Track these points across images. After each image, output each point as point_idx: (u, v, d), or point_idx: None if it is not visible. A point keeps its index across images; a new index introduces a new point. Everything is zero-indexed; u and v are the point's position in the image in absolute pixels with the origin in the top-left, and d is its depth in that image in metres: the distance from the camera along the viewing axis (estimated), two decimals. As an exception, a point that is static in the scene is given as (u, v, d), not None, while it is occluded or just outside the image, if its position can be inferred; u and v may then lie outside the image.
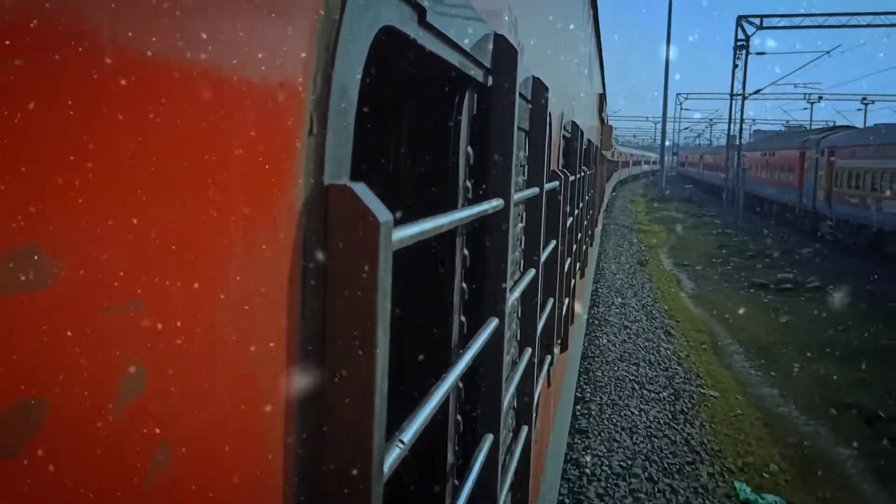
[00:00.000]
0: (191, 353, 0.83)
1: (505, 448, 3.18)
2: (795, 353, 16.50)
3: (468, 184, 2.31)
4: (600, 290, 23.12)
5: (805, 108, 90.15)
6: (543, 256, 3.96)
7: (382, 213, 1.03)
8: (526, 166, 3.42)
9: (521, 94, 3.03)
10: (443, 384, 1.74)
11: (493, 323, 2.31)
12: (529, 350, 3.49)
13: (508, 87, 2.27)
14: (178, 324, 0.83)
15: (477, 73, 2.14)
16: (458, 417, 2.43)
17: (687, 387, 14.61)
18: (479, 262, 2.42)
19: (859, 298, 22.11)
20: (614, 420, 12.71)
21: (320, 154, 1.01)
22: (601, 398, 13.72)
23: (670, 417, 13.03)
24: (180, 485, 0.79)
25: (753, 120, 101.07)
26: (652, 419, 12.92)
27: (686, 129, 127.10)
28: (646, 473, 10.68)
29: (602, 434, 12.05)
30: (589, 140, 11.02)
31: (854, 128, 47.30)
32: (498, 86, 2.28)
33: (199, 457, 0.84)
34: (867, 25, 43.32)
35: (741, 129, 53.03)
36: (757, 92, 54.84)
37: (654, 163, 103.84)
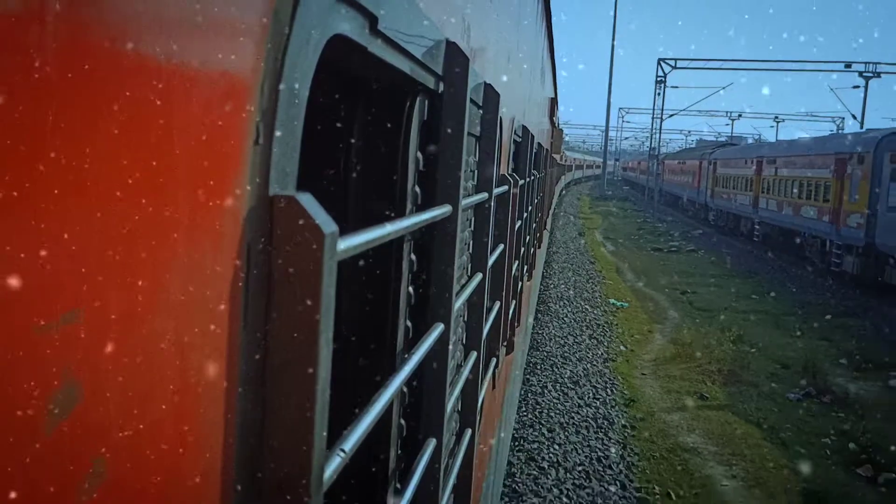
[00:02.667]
0: (129, 364, 0.83)
1: (448, 451, 3.19)
2: (659, 273, 30.86)
3: (417, 190, 2.32)
4: (554, 246, 36.93)
5: (727, 124, 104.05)
6: (491, 261, 3.99)
7: (327, 224, 1.04)
8: (476, 171, 3.44)
9: (472, 101, 3.05)
10: (385, 392, 1.74)
11: (439, 328, 2.32)
12: (475, 354, 3.51)
13: (459, 94, 2.28)
14: (117, 334, 0.82)
15: (428, 80, 2.15)
16: (402, 422, 2.44)
17: (597, 279, 29.90)
18: (426, 268, 2.43)
19: (710, 254, 37.20)
20: (564, 286, 27.27)
21: (266, 164, 1.01)
22: (558, 283, 27.75)
23: (588, 284, 28.29)
24: (116, 499, 0.78)
25: (689, 132, 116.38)
26: (579, 287, 27.37)
27: (628, 137, 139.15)
28: (570, 292, 25.89)
29: (559, 290, 26.15)
30: (539, 144, 11.12)
31: (734, 144, 63.42)
32: (449, 92, 2.29)
33: (136, 469, 0.83)
34: (749, 69, 64.15)
35: (659, 143, 73.25)
36: (671, 116, 76.64)
37: (601, 167, 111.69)
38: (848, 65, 55.26)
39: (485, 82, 3.28)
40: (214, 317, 0.96)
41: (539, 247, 16.33)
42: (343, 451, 1.30)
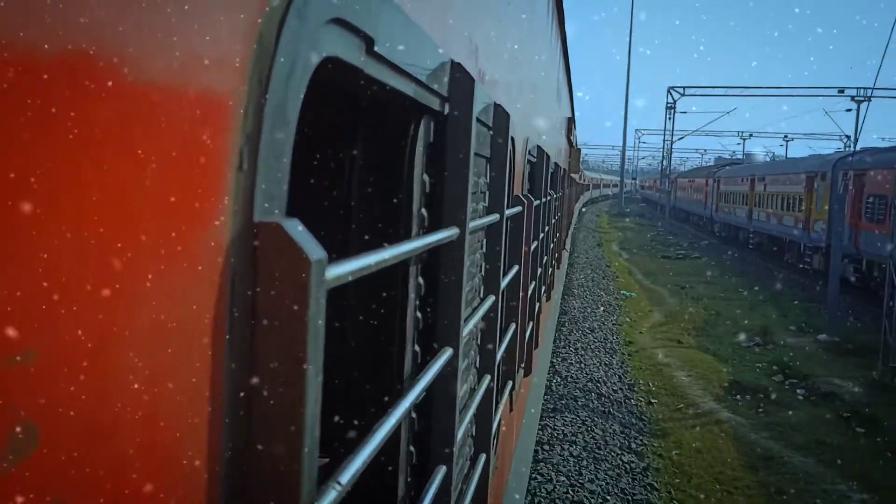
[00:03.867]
0: (97, 402, 0.79)
1: (461, 478, 3.14)
2: (664, 274, 35.93)
3: (423, 212, 2.29)
4: (575, 254, 41.12)
5: (738, 144, 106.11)
6: (504, 283, 3.94)
7: (315, 251, 1.00)
8: (487, 193, 3.41)
9: (481, 121, 3.03)
10: (388, 419, 1.70)
11: (447, 353, 2.28)
12: (488, 377, 3.46)
13: (465, 115, 2.25)
14: (89, 369, 0.79)
15: (432, 102, 2.12)
16: (411, 448, 2.39)
17: (611, 277, 35.93)
18: (435, 291, 2.40)
19: (712, 260, 41.94)
20: (584, 279, 33.06)
21: (250, 190, 0.98)
22: (579, 278, 33.20)
23: (603, 280, 34.32)
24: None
25: (705, 150, 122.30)
26: (596, 281, 33.42)
27: (645, 157, 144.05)
28: (588, 283, 31.99)
29: (580, 282, 31.90)
30: (556, 164, 11.08)
31: (738, 163, 70.47)
32: (454, 114, 2.26)
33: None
34: (751, 95, 69.68)
35: (670, 163, 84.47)
36: (682, 138, 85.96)
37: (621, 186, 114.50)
38: (841, 90, 60.41)
39: (494, 103, 3.26)
40: (196, 351, 0.93)
41: (559, 267, 16.24)
42: (339, 483, 1.26)
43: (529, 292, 6.11)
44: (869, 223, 23.86)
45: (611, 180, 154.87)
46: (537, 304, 7.59)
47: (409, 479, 2.37)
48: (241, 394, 0.99)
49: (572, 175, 26.03)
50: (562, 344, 20.11)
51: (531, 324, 6.70)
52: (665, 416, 15.55)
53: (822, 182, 33.01)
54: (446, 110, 2.26)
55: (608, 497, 10.93)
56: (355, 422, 2.24)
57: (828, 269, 25.88)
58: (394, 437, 2.19)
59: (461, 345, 2.38)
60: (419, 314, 2.34)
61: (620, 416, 15.24)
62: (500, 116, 3.30)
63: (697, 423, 15.10)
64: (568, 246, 29.50)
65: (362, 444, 1.48)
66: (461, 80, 2.25)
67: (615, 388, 17.12)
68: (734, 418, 15.27)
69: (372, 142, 2.11)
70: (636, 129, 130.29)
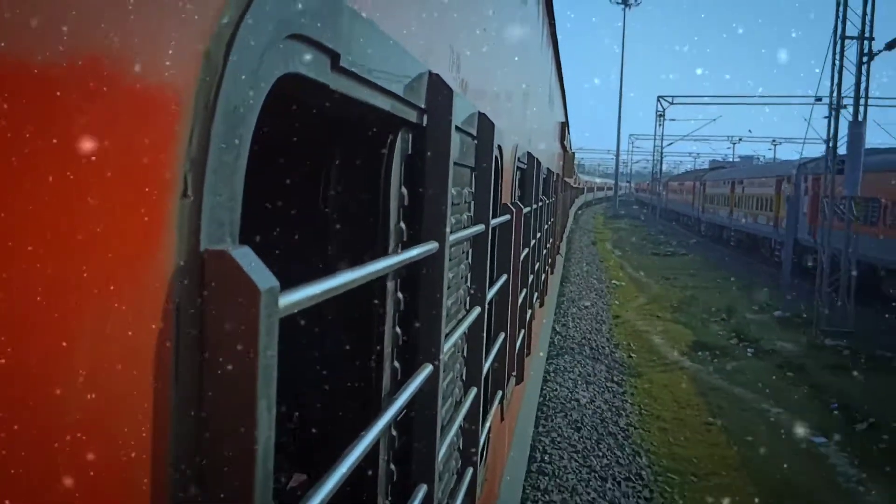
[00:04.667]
0: (38, 441, 0.75)
1: (446, 494, 3.09)
2: (652, 268, 40.08)
3: (402, 226, 2.24)
4: (574, 247, 47.09)
5: (728, 148, 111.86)
6: (491, 293, 3.90)
7: (265, 279, 0.96)
8: (472, 203, 3.37)
9: (465, 131, 2.99)
10: (364, 438, 1.66)
11: (427, 369, 2.24)
12: (475, 390, 3.41)
13: (444, 127, 2.21)
14: (29, 403, 0.75)
15: (409, 114, 2.08)
16: (392, 467, 2.34)
17: (604, 269, 39.45)
18: (415, 306, 2.35)
19: (697, 256, 46.38)
20: (579, 272, 36.70)
21: (195, 217, 0.94)
22: (576, 270, 37.39)
23: (596, 272, 38.14)
24: None
25: (698, 154, 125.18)
26: (590, 273, 37.18)
27: (639, 161, 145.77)
28: (583, 274, 37.08)
29: (575, 273, 36.62)
30: (548, 169, 11.04)
31: (722, 167, 73.00)
32: (433, 126, 2.22)
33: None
34: (736, 104, 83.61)
35: (661, 168, 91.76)
36: (671, 144, 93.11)
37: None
38: (818, 98, 64.01)
39: (479, 112, 3.22)
40: (138, 388, 0.89)
41: (552, 272, 16.20)
42: None
43: (520, 300, 6.07)
44: (824, 220, 27.05)
45: (605, 183, 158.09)
46: (529, 312, 7.54)
47: (389, 499, 2.33)
48: (188, 429, 0.95)
49: (566, 179, 26.03)
50: (561, 314, 25.14)
51: (522, 332, 6.65)
52: (641, 364, 20.32)
53: (789, 185, 37.21)
54: (425, 122, 2.22)
55: (596, 398, 16.53)
56: (334, 438, 2.19)
57: (795, 259, 31.44)
58: (372, 455, 2.15)
59: (442, 360, 2.33)
60: (399, 329, 2.30)
61: (607, 361, 20.19)
62: (485, 126, 3.26)
63: (665, 368, 20.02)
64: (563, 250, 29.61)
65: (337, 464, 1.44)
66: (440, 92, 2.21)
67: (603, 345, 22.05)
68: (694, 366, 20.14)
69: (347, 156, 2.07)
70: (630, 135, 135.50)
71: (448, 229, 2.29)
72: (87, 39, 0.79)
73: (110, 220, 0.84)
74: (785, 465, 12.93)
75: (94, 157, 0.81)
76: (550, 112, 12.18)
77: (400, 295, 2.29)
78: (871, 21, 24.48)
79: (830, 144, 25.70)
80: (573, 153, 30.15)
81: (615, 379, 18.49)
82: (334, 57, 1.37)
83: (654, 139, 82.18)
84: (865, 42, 24.56)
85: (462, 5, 3.20)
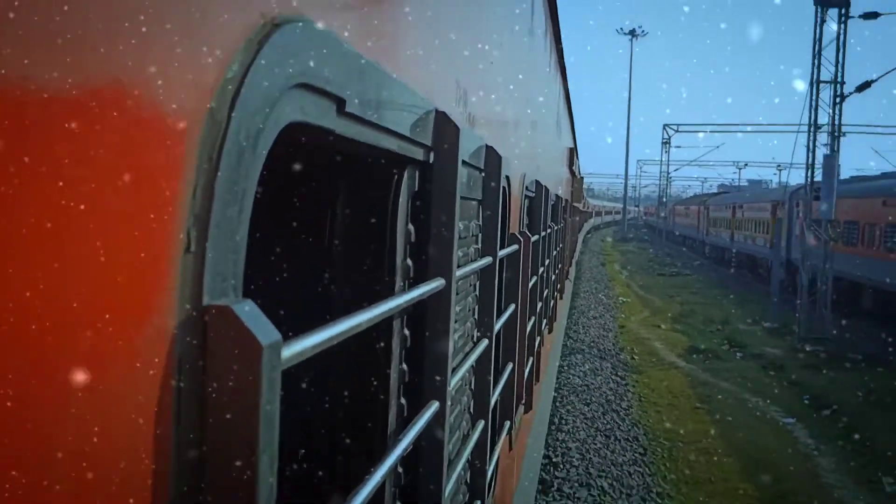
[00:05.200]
0: (39, 493, 0.75)
1: None
2: (657, 287, 43.28)
3: (409, 263, 2.24)
4: (584, 267, 50.06)
5: (734, 173, 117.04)
6: (499, 324, 3.89)
7: (267, 333, 0.96)
8: (480, 235, 3.37)
9: (472, 165, 2.99)
10: (372, 477, 1.65)
11: (433, 406, 2.22)
12: (482, 423, 3.39)
13: (450, 164, 2.22)
14: (34, 458, 0.75)
15: (415, 153, 2.09)
16: None
17: (611, 287, 43.20)
18: (421, 342, 2.35)
19: (701, 276, 50.12)
20: (588, 289, 41.03)
21: (199, 272, 0.94)
22: (586, 287, 40.87)
23: (604, 289, 41.95)
24: None
25: (705, 179, 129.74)
26: (599, 290, 41.07)
27: (647, 185, 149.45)
28: (592, 290, 40.74)
29: (585, 289, 40.30)
30: (557, 195, 11.05)
31: (726, 192, 77.72)
32: (439, 163, 2.23)
33: None
34: (737, 132, 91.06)
35: (668, 193, 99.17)
36: (677, 169, 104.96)
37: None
38: (819, 126, 70.42)
39: (486, 145, 3.23)
40: (139, 442, 0.88)
41: (561, 297, 16.16)
42: None
43: (528, 328, 6.05)
44: (803, 240, 30.99)
45: (614, 207, 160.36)
46: (538, 339, 7.51)
47: None
48: (187, 486, 0.94)
49: (575, 204, 26.05)
50: (572, 323, 28.37)
51: (531, 360, 6.62)
52: (642, 364, 23.73)
53: (783, 209, 40.69)
54: (431, 159, 2.22)
55: (602, 385, 20.15)
56: (341, 478, 2.18)
57: (790, 277, 34.13)
58: (379, 494, 2.13)
59: (448, 396, 2.32)
60: (405, 366, 2.29)
61: (612, 361, 23.67)
62: (492, 158, 3.27)
63: (663, 367, 23.41)
64: (571, 275, 29.63)
65: None
66: (446, 129, 2.22)
67: (609, 348, 25.71)
68: (688, 366, 23.44)
69: (353, 195, 2.07)
70: (638, 160, 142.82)
71: (455, 265, 2.29)
72: (89, 97, 0.79)
73: (114, 274, 0.85)
74: (756, 437, 16.13)
75: (95, 213, 0.81)
76: (558, 138, 12.22)
77: (406, 332, 2.29)
78: (843, 67, 28.28)
79: (809, 173, 29.81)
80: (582, 178, 30.56)
81: (619, 374, 22.02)
82: (340, 102, 1.38)
83: (661, 164, 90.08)
84: (838, 86, 28.48)
85: (469, 39, 3.22)
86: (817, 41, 28.63)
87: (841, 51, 28.20)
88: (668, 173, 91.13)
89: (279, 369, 0.99)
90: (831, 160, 28.54)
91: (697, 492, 13.39)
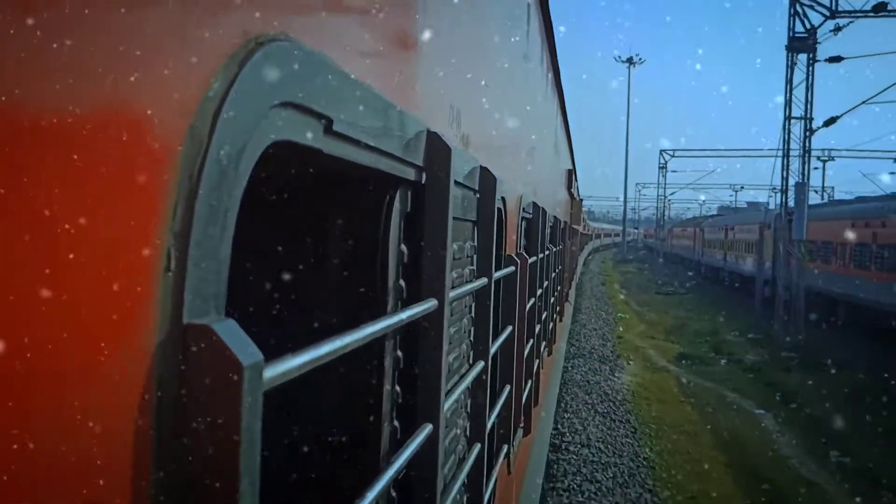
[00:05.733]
0: None
1: None
2: (654, 305, 47.17)
3: (402, 284, 2.23)
4: (586, 289, 53.92)
5: (731, 195, 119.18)
6: (496, 346, 3.87)
7: (248, 354, 0.95)
8: (474, 257, 3.36)
9: (466, 186, 2.99)
10: (362, 502, 1.62)
11: (427, 429, 2.20)
12: (479, 446, 3.36)
13: (442, 185, 2.22)
14: (8, 473, 0.74)
15: (407, 173, 2.08)
16: None
17: (611, 305, 47.64)
18: (414, 364, 2.33)
19: (696, 295, 54.40)
20: (589, 306, 44.72)
21: (179, 291, 0.93)
22: (587, 304, 44.85)
23: (605, 307, 46.24)
24: None
25: (704, 201, 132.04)
26: (599, 308, 45.01)
27: (647, 208, 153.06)
28: (593, 308, 44.63)
29: (587, 307, 43.81)
30: (555, 217, 11.06)
31: (721, 215, 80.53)
32: (431, 184, 2.22)
33: None
34: (730, 157, 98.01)
35: (665, 215, 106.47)
36: (674, 193, 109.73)
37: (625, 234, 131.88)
38: (808, 151, 76.31)
39: (481, 166, 3.23)
40: (117, 461, 0.87)
41: (561, 319, 16.12)
42: None
43: (526, 351, 6.02)
44: (777, 258, 36.18)
45: (613, 230, 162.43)
46: (536, 362, 7.47)
47: None
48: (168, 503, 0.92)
49: (574, 226, 26.06)
50: (575, 333, 31.45)
51: (529, 382, 6.59)
52: (636, 367, 27.66)
53: (769, 230, 43.30)
54: (423, 179, 2.22)
55: (602, 382, 23.92)
56: (334, 499, 2.15)
57: (773, 295, 37.40)
58: None
59: (442, 418, 2.30)
60: (398, 388, 2.27)
61: (610, 365, 27.59)
62: (487, 179, 3.27)
63: (655, 370, 27.35)
64: (572, 298, 29.68)
65: None
66: (438, 149, 2.22)
67: (607, 354, 29.55)
68: (677, 369, 27.46)
69: (345, 215, 2.07)
70: (637, 183, 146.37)
71: (448, 286, 2.28)
72: (69, 115, 0.79)
73: (93, 293, 0.84)
74: (730, 423, 19.95)
75: (74, 232, 0.81)
76: (556, 160, 12.25)
77: (400, 353, 2.27)
78: (811, 105, 33.21)
79: (783, 198, 34.13)
80: (581, 200, 31.00)
81: (616, 375, 25.85)
82: (327, 121, 1.38)
83: (658, 187, 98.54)
84: (807, 122, 33.47)
85: (464, 61, 3.24)
86: (788, 82, 33.39)
87: (810, 90, 32.99)
88: (665, 196, 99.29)
89: (261, 390, 0.98)
90: (802, 187, 32.95)
91: (677, 458, 17.07)
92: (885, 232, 30.39)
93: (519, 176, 5.66)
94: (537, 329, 7.40)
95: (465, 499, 3.37)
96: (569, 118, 14.18)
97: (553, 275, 10.61)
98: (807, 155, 33.64)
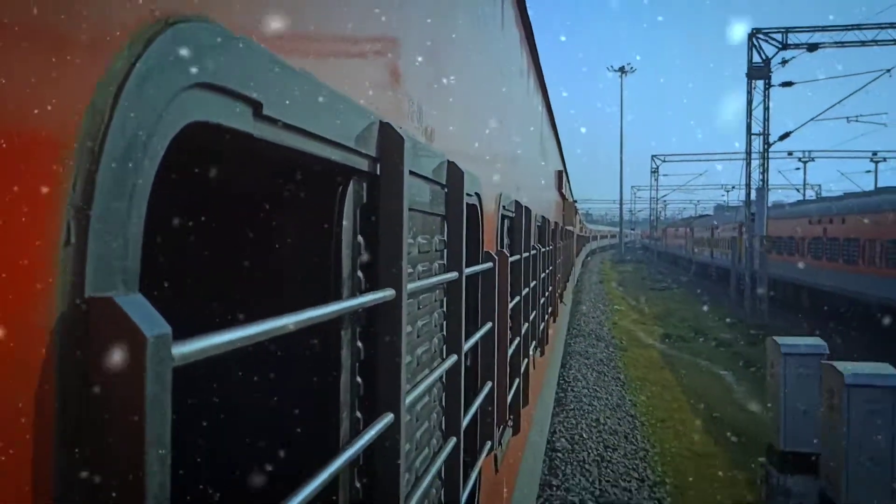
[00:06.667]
0: None
1: None
2: (648, 299, 51.34)
3: (360, 275, 2.24)
4: (585, 285, 60.94)
5: (722, 195, 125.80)
6: (471, 342, 3.87)
7: (154, 326, 0.95)
8: (445, 251, 3.37)
9: (433, 180, 3.01)
10: (311, 482, 1.61)
11: (387, 418, 2.21)
12: (454, 439, 3.36)
13: (396, 176, 2.23)
14: None
15: (360, 164, 2.09)
16: None
17: (608, 300, 52.32)
18: (375, 354, 2.33)
19: (686, 290, 59.11)
20: (588, 300, 50.82)
21: (80, 264, 0.94)
22: (586, 298, 51.26)
23: (602, 301, 51.28)
24: None
25: (698, 201, 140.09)
26: (597, 301, 50.49)
27: (642, 210, 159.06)
28: (591, 301, 50.43)
29: (586, 299, 50.61)
30: (543, 217, 11.07)
31: (709, 215, 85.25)
32: (386, 174, 2.23)
33: None
34: (718, 160, 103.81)
35: (657, 217, 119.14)
36: (664, 196, 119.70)
37: (623, 236, 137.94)
38: (790, 153, 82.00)
39: (448, 161, 3.24)
40: (18, 440, 0.87)
41: (554, 320, 16.11)
42: None
43: (511, 348, 6.02)
44: (769, 254, 41.78)
45: (610, 231, 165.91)
46: (525, 361, 7.47)
47: None
48: (74, 486, 0.93)
49: (568, 227, 26.07)
50: (575, 321, 37.80)
51: (517, 381, 6.58)
52: (628, 345, 32.86)
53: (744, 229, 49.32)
54: (378, 171, 2.23)
55: (599, 353, 30.37)
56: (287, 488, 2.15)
57: (751, 284, 43.06)
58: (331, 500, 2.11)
59: (403, 407, 2.30)
60: (360, 379, 2.28)
61: (605, 343, 33.30)
62: (454, 174, 3.28)
63: (643, 348, 32.47)
64: (568, 300, 29.71)
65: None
66: (391, 140, 2.22)
67: (604, 336, 35.33)
68: (661, 346, 32.86)
69: (297, 205, 2.08)
70: (632, 186, 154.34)
71: (405, 276, 2.28)
72: None
73: None
74: (699, 380, 25.55)
75: None
76: (543, 161, 12.27)
77: (360, 345, 2.27)
78: (768, 122, 40.88)
79: (747, 201, 41.74)
80: (574, 201, 31.56)
81: (610, 350, 31.48)
82: (256, 105, 1.39)
83: (651, 190, 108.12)
84: (765, 136, 41.12)
85: (429, 56, 3.25)
86: (748, 104, 41.05)
87: (767, 111, 40.44)
88: (658, 199, 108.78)
89: (169, 365, 0.98)
90: (761, 191, 41.33)
91: (654, 400, 22.89)
92: (832, 228, 37.51)
93: (498, 173, 5.67)
94: (524, 328, 7.40)
95: (441, 493, 3.37)
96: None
97: (542, 275, 10.61)
98: (766, 163, 41.36)
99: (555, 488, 15.16)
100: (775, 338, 13.86)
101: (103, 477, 0.94)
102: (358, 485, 2.28)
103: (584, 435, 18.95)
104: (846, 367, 10.89)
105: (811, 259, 40.13)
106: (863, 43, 38.45)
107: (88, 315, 0.94)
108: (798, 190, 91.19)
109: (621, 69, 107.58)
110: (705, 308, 43.67)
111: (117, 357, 0.93)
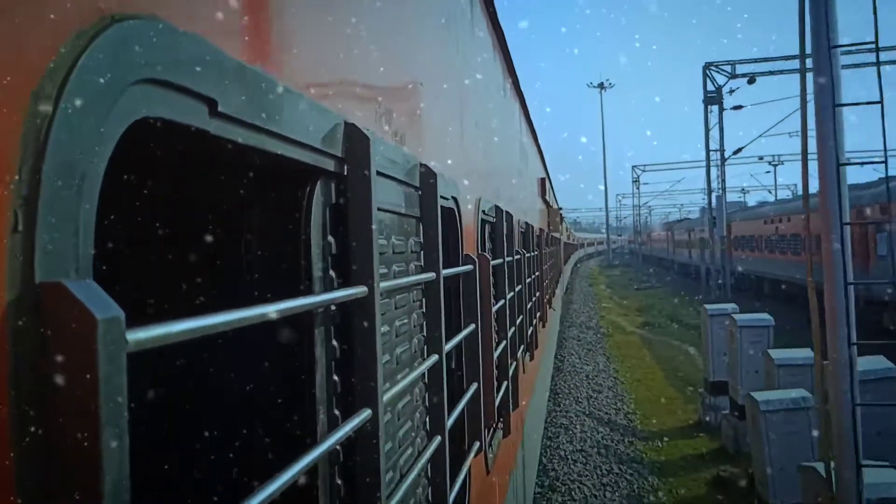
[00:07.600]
0: None
1: None
2: (633, 297, 58.93)
3: (332, 274, 2.26)
4: (575, 288, 69.04)
5: (703, 199, 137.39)
6: (452, 343, 3.89)
7: (106, 309, 0.97)
8: (421, 252, 3.40)
9: (405, 182, 3.03)
10: (284, 473, 1.61)
11: (364, 413, 2.22)
12: (438, 438, 3.38)
13: (362, 176, 2.25)
14: None
15: (326, 164, 2.12)
16: None
17: (595, 299, 59.24)
18: (351, 353, 2.35)
19: (668, 288, 64.16)
20: (578, 299, 58.11)
21: (29, 251, 0.96)
22: (576, 298, 59.27)
23: (589, 300, 57.67)
24: None
25: (682, 205, 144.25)
26: (586, 301, 56.88)
27: (628, 216, 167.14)
28: (581, 300, 58.15)
29: (577, 299, 58.75)
30: (527, 223, 11.11)
31: (688, 219, 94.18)
32: (353, 174, 2.26)
33: None
34: (694, 168, 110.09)
35: (639, 222, 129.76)
36: (646, 203, 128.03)
37: (611, 242, 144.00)
38: (760, 157, 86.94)
39: (420, 163, 3.27)
40: None
41: (544, 325, 16.13)
42: None
43: (498, 350, 6.04)
44: (735, 251, 52.02)
45: (597, 239, 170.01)
46: (513, 364, 7.49)
47: None
48: (29, 471, 0.94)
49: (555, 234, 26.16)
50: (567, 314, 44.11)
51: (505, 384, 6.60)
52: (612, 332, 38.27)
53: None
54: (345, 171, 2.26)
55: (588, 337, 37.52)
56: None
57: (716, 276, 50.60)
58: (308, 492, 2.12)
59: (381, 403, 2.32)
60: (336, 377, 2.30)
61: (593, 330, 39.20)
62: (427, 176, 3.31)
63: (625, 334, 37.91)
64: (557, 305, 29.78)
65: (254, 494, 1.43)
66: (357, 140, 2.25)
67: (592, 325, 41.37)
68: (642, 332, 38.08)
69: (265, 205, 2.10)
70: (617, 194, 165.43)
71: (376, 273, 2.31)
72: None
73: None
74: (670, 355, 30.21)
75: None
76: (525, 167, 12.33)
77: (335, 343, 2.29)
78: (723, 139, 48.70)
79: (709, 206, 50.49)
80: (559, 208, 31.74)
81: (598, 336, 37.24)
82: (210, 102, 1.41)
83: (633, 197, 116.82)
84: (721, 153, 48.85)
85: (400, 59, 3.29)
86: (705, 125, 48.21)
87: (721, 131, 48.20)
88: (641, 206, 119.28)
89: (123, 349, 1.00)
90: (720, 198, 48.83)
91: (633, 370, 27.87)
92: (782, 226, 44.33)
93: (476, 177, 5.71)
94: (512, 331, 7.43)
95: (429, 491, 3.39)
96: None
97: (528, 280, 10.65)
98: (723, 174, 49.19)
99: (556, 414, 21.21)
100: (705, 305, 20.88)
101: (59, 459, 0.95)
102: (339, 481, 2.30)
103: (578, 384, 25.47)
104: (739, 316, 18.01)
105: (768, 253, 47.09)
106: (782, 72, 44.80)
107: (39, 301, 0.96)
108: (770, 191, 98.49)
109: (600, 85, 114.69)
110: (682, 300, 49.23)
111: (70, 341, 0.95)
